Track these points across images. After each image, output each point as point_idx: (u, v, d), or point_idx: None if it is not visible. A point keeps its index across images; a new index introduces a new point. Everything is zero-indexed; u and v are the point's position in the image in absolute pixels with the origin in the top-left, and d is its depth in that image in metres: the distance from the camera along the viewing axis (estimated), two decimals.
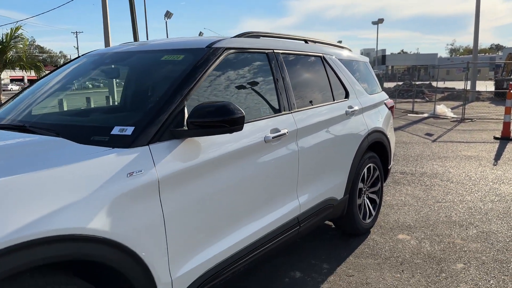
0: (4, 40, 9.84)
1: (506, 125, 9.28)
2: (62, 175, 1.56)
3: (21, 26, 9.82)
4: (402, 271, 3.16)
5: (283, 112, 2.71)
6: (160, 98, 2.05)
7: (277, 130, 2.56)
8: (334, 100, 3.36)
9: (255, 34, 2.82)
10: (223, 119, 1.94)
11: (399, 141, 8.91)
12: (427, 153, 7.71)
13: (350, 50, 4.19)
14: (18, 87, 70.01)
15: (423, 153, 7.70)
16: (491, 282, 2.97)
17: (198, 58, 2.30)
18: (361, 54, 6.67)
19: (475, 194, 5.07)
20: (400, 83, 26.44)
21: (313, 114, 2.99)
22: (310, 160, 2.89)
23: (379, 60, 64.75)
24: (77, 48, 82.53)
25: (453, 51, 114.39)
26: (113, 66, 2.85)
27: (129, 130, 1.88)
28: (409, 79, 30.01)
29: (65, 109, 3.72)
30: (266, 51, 2.78)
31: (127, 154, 1.78)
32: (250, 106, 2.56)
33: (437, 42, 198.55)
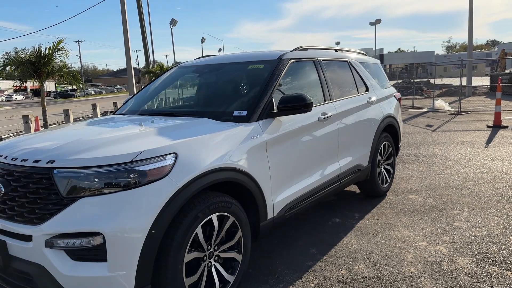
0: (47, 53, 11.07)
1: (497, 114, 10.45)
2: (223, 136, 2.75)
3: (63, 40, 11.03)
4: (414, 216, 4.33)
5: (327, 102, 3.88)
6: (258, 93, 3.23)
7: (325, 114, 3.74)
8: (358, 93, 4.54)
9: (304, 47, 4.00)
10: (299, 104, 3.11)
11: (402, 132, 10.08)
12: (428, 140, 8.89)
13: (365, 55, 5.37)
14: (22, 97, 71.33)
15: (424, 140, 8.88)
16: (478, 219, 4.14)
17: (274, 66, 3.48)
18: None
19: (469, 168, 6.24)
20: (400, 81, 27.65)
21: (346, 103, 4.17)
22: (345, 135, 4.06)
23: (377, 59, 65.84)
24: (80, 56, 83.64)
25: (449, 48, 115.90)
26: (211, 73, 4.03)
27: (244, 113, 3.06)
28: (407, 77, 31.21)
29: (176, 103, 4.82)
30: (313, 59, 3.96)
31: (248, 126, 2.96)
32: None
33: (433, 39, 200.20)
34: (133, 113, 3.73)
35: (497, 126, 10.24)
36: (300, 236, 3.90)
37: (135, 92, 16.96)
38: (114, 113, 4.09)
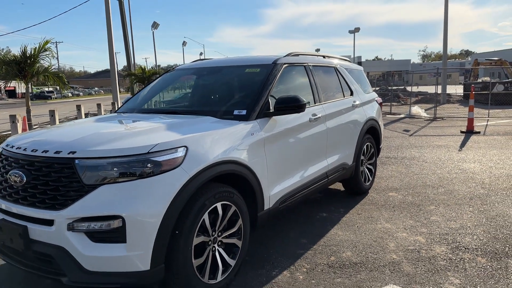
0: (33, 53, 11.07)
1: (470, 120, 11.04)
2: (226, 132, 3.01)
3: (50, 40, 11.03)
4: (394, 211, 4.67)
5: (317, 104, 4.19)
6: (256, 94, 3.50)
7: (315, 115, 4.04)
8: (344, 97, 4.87)
9: (296, 53, 4.30)
10: (294, 105, 3.40)
11: (383, 134, 10.52)
12: (406, 144, 9.34)
13: (349, 61, 5.72)
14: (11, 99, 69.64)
15: (402, 144, 9.33)
16: (453, 214, 4.51)
17: (270, 70, 3.77)
18: None
19: (444, 169, 6.67)
20: (377, 88, 28.38)
21: (333, 105, 4.49)
22: (333, 135, 4.38)
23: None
24: (57, 58, 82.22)
25: (425, 57, 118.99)
26: (210, 75, 4.28)
27: (243, 112, 3.33)
28: (384, 84, 32.08)
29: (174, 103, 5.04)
30: (304, 64, 4.27)
31: (248, 124, 3.23)
32: None
33: (410, 48, 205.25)
34: (136, 112, 3.95)
35: (469, 131, 10.81)
36: (291, 228, 4.18)
37: (118, 94, 17.00)
38: (115, 112, 4.29)
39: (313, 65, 4.42)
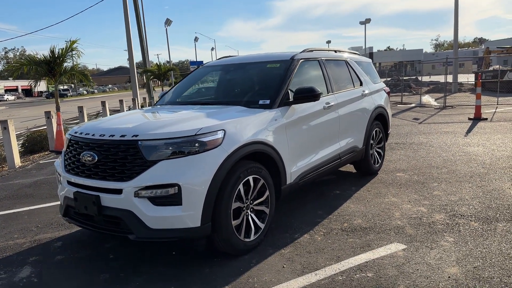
0: (61, 53, 11.82)
1: (477, 108, 11.46)
2: (254, 118, 3.63)
3: (76, 41, 11.77)
4: (401, 187, 5.24)
5: (329, 93, 4.77)
6: (277, 86, 4.10)
7: (328, 103, 4.63)
8: (354, 87, 5.44)
9: (310, 49, 4.88)
10: (311, 94, 3.99)
11: (391, 124, 11.04)
12: (415, 131, 9.85)
13: (359, 55, 6.28)
14: (13, 97, 71.37)
15: (411, 131, 9.84)
16: (453, 189, 5.07)
17: (288, 65, 4.36)
18: None
19: (449, 152, 7.19)
20: (389, 78, 28.74)
21: (344, 95, 5.06)
22: (344, 121, 4.95)
23: (368, 58, 67.02)
24: (72, 56, 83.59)
25: (437, 46, 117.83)
26: (236, 71, 4.90)
27: (267, 101, 3.94)
28: (396, 74, 32.35)
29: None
30: (318, 59, 4.85)
31: (272, 111, 3.84)
32: None
33: (422, 37, 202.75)
34: (173, 104, 4.60)
35: (477, 118, 11.24)
36: (308, 202, 4.79)
37: (137, 90, 17.73)
38: (155, 104, 4.94)
39: (325, 59, 5.00)
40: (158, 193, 3.04)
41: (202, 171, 3.08)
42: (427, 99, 17.01)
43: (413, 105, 16.74)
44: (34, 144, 9.95)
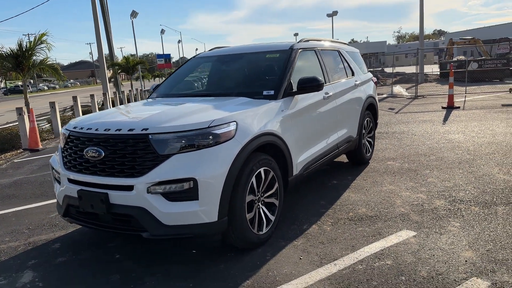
0: (29, 47, 11.23)
1: (450, 97, 11.82)
2: (263, 109, 3.55)
3: (46, 33, 11.16)
4: (395, 176, 5.32)
5: (327, 83, 4.75)
6: (280, 76, 4.03)
7: (327, 93, 4.60)
8: (347, 77, 5.44)
9: (307, 39, 4.83)
10: (314, 84, 3.95)
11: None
12: (393, 121, 10.04)
13: (348, 45, 6.29)
14: None
15: (390, 121, 10.03)
16: (446, 176, 5.19)
17: (288, 55, 4.29)
18: None
19: (432, 140, 7.37)
20: None
21: (340, 84, 5.06)
22: (341, 111, 4.96)
23: None
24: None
25: (400, 38, 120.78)
26: (233, 62, 4.78)
27: (271, 92, 3.86)
28: None
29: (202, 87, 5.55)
30: (314, 48, 4.81)
31: (278, 102, 3.77)
32: None
33: (385, 30, 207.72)
34: (172, 96, 4.44)
35: (450, 107, 11.60)
36: (308, 193, 4.78)
37: (107, 85, 17.18)
38: (148, 98, 4.75)
39: (321, 49, 4.97)
40: (172, 188, 2.91)
41: (218, 164, 2.98)
42: (399, 89, 17.41)
43: (385, 95, 17.09)
44: (4, 142, 9.45)
